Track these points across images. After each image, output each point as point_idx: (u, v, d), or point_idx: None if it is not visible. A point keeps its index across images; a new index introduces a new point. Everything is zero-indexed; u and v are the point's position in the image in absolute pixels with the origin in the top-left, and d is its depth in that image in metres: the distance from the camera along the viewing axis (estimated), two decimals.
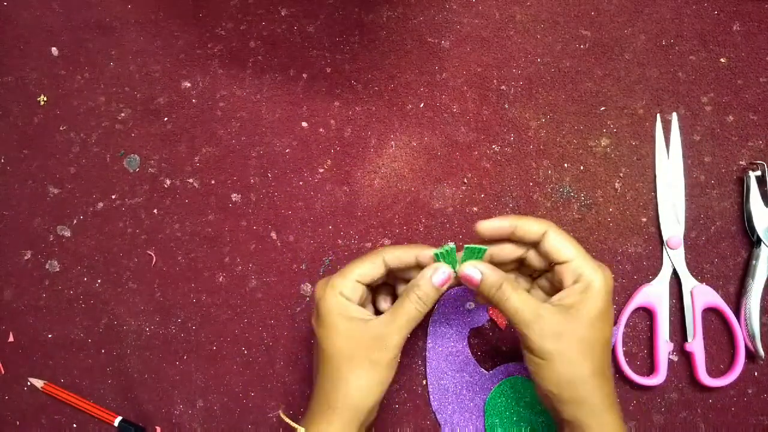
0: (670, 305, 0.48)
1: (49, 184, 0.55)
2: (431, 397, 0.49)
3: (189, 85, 0.54)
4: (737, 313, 0.47)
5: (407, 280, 0.41)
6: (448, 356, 0.49)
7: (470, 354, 0.49)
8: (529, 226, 0.38)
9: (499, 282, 0.37)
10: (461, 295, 0.49)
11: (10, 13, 0.57)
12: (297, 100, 0.53)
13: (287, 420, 0.39)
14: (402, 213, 0.51)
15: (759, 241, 0.47)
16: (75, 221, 0.54)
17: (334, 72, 0.53)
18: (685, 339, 0.48)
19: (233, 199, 0.53)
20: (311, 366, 0.51)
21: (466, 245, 0.38)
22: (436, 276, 0.38)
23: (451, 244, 0.38)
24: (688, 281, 0.48)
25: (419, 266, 0.40)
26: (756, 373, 0.47)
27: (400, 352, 0.39)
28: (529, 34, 0.51)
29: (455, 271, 0.39)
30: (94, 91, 0.55)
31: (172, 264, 0.53)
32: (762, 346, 0.46)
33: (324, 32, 0.53)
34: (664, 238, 0.48)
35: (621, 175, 0.49)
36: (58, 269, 0.54)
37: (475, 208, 0.50)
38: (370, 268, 0.40)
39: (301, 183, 0.52)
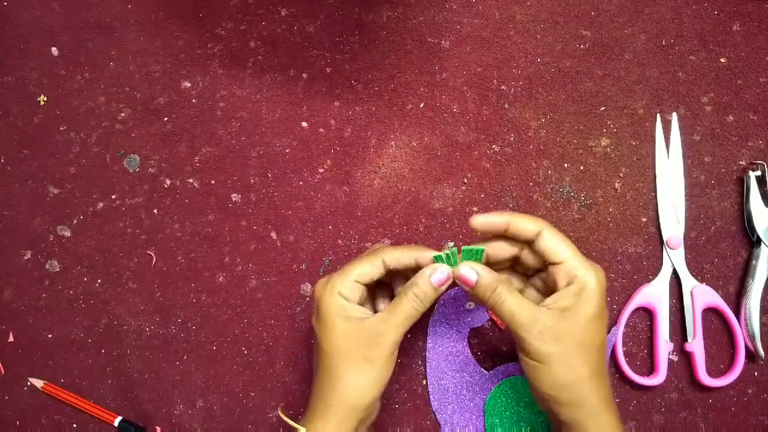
0: (670, 305, 0.48)
1: (49, 184, 0.55)
2: (431, 397, 0.49)
3: (189, 85, 0.54)
4: (737, 313, 0.47)
5: (406, 281, 0.41)
6: (448, 356, 0.49)
7: (470, 354, 0.49)
8: (524, 224, 0.38)
9: (495, 284, 0.37)
10: (461, 295, 0.49)
11: (10, 13, 0.57)
12: (297, 100, 0.53)
13: (286, 419, 0.39)
14: (402, 213, 0.51)
15: (759, 241, 0.47)
16: (75, 221, 0.54)
17: (334, 72, 0.53)
18: (685, 339, 0.48)
19: (233, 199, 0.53)
20: (311, 366, 0.51)
21: (464, 246, 0.38)
22: (435, 275, 0.38)
23: (452, 246, 0.38)
24: (688, 281, 0.48)
25: (418, 268, 0.40)
26: (756, 373, 0.47)
27: (398, 350, 0.39)
28: (529, 34, 0.51)
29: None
30: (94, 91, 0.55)
31: (172, 264, 0.53)
32: (762, 346, 0.46)
33: (324, 32, 0.53)
34: (664, 238, 0.48)
35: (621, 175, 0.49)
36: (58, 269, 0.54)
37: (475, 208, 0.50)
38: (369, 268, 0.40)
39: (301, 183, 0.52)
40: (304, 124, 0.53)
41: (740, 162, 0.49)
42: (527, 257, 0.40)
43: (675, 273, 0.48)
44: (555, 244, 0.38)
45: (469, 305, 0.49)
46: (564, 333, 0.36)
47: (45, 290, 0.54)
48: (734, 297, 0.48)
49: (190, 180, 0.53)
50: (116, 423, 0.51)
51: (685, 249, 0.48)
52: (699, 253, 0.48)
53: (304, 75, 0.53)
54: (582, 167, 0.50)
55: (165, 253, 0.53)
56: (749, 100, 0.49)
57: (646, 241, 0.49)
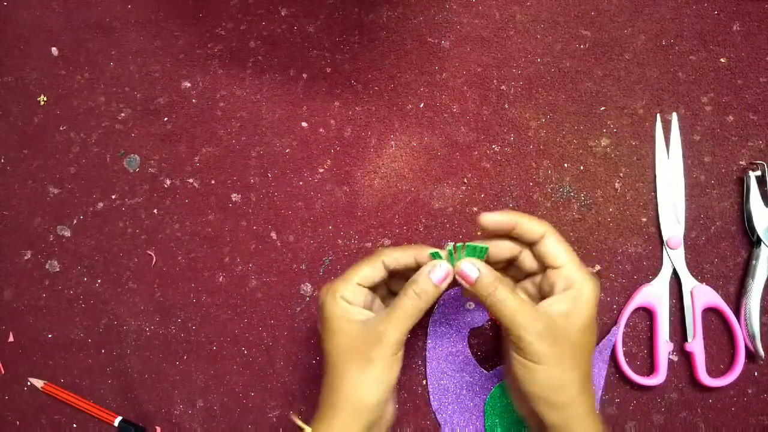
0: (670, 305, 0.48)
1: (49, 184, 0.55)
2: (431, 397, 0.49)
3: (189, 85, 0.54)
4: (737, 313, 0.47)
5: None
6: (448, 356, 0.49)
7: (470, 354, 0.49)
8: (530, 226, 0.39)
9: (496, 283, 0.38)
10: (461, 296, 0.49)
11: (10, 13, 0.57)
12: (297, 100, 0.53)
13: (297, 421, 0.40)
14: (402, 213, 0.51)
15: (759, 241, 0.47)
16: (75, 221, 0.54)
17: (334, 72, 0.53)
18: (685, 339, 0.48)
19: (233, 199, 0.53)
20: (311, 366, 0.51)
21: (468, 243, 0.39)
22: (434, 272, 0.38)
23: (450, 245, 0.38)
24: (688, 281, 0.48)
25: (419, 267, 0.40)
26: (756, 373, 0.47)
27: (402, 350, 0.39)
28: (529, 34, 0.51)
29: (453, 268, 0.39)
30: (94, 91, 0.55)
31: (172, 264, 0.53)
32: (762, 346, 0.46)
33: (324, 32, 0.53)
34: (664, 238, 0.48)
35: (621, 175, 0.49)
36: (58, 269, 0.54)
37: (475, 208, 0.50)
38: (370, 271, 0.40)
39: (301, 183, 0.52)
40: (304, 124, 0.53)
41: (740, 162, 0.49)
42: (524, 260, 0.40)
43: (675, 273, 0.48)
44: (557, 249, 0.38)
45: (469, 305, 0.49)
46: (560, 335, 0.37)
47: (45, 290, 0.54)
48: (734, 297, 0.48)
49: (190, 180, 0.53)
50: (116, 423, 0.51)
51: (685, 249, 0.48)
52: (699, 253, 0.48)
53: (304, 75, 0.53)
54: (582, 167, 0.50)
55: (165, 253, 0.53)
56: (749, 100, 0.49)
57: (646, 241, 0.49)
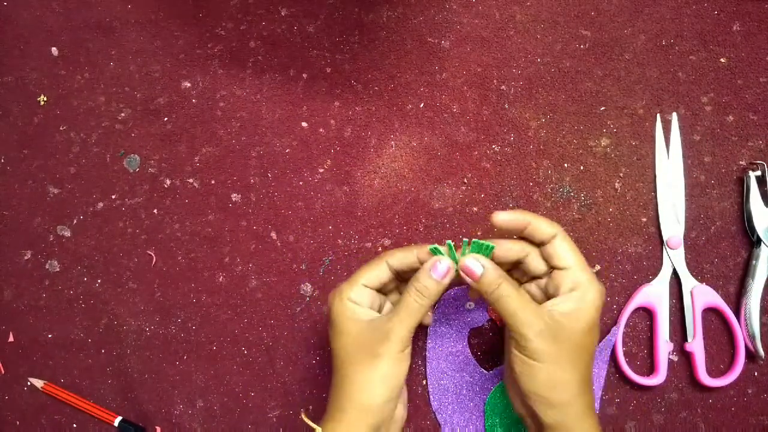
0: (670, 305, 0.48)
1: (49, 184, 0.55)
2: (431, 397, 0.49)
3: (189, 85, 0.54)
4: (737, 313, 0.47)
5: None
6: (448, 356, 0.49)
7: (470, 354, 0.49)
8: (542, 226, 0.39)
9: (500, 279, 0.38)
10: (461, 295, 0.49)
11: (10, 13, 0.57)
12: (297, 100, 0.53)
13: (308, 421, 0.40)
14: (402, 213, 0.51)
15: (759, 241, 0.47)
16: (75, 221, 0.54)
17: (334, 72, 0.53)
18: (685, 339, 0.48)
19: (233, 199, 0.53)
20: (311, 366, 0.51)
21: (474, 240, 0.39)
22: (434, 269, 0.39)
23: (449, 243, 0.39)
24: (688, 281, 0.48)
25: (422, 265, 0.40)
26: (756, 373, 0.47)
27: (409, 348, 0.39)
28: (529, 34, 0.51)
29: (456, 263, 0.39)
30: (94, 91, 0.55)
31: (172, 264, 0.53)
32: (762, 346, 0.46)
33: (324, 32, 0.53)
34: (664, 238, 0.48)
35: (621, 175, 0.49)
36: (58, 269, 0.54)
37: (475, 208, 0.50)
38: (375, 272, 0.41)
39: (301, 183, 0.52)
40: (304, 124, 0.53)
41: (740, 162, 0.49)
42: (530, 263, 0.40)
43: (675, 273, 0.48)
44: (565, 251, 0.39)
45: (469, 305, 0.49)
46: (562, 335, 0.37)
47: (45, 290, 0.54)
48: (734, 297, 0.48)
49: (190, 180, 0.53)
50: (116, 423, 0.51)
51: (685, 249, 0.48)
52: (699, 253, 0.48)
53: (304, 75, 0.53)
54: (582, 167, 0.50)
55: (165, 253, 0.53)
56: (749, 100, 0.49)
57: (646, 241, 0.49)
